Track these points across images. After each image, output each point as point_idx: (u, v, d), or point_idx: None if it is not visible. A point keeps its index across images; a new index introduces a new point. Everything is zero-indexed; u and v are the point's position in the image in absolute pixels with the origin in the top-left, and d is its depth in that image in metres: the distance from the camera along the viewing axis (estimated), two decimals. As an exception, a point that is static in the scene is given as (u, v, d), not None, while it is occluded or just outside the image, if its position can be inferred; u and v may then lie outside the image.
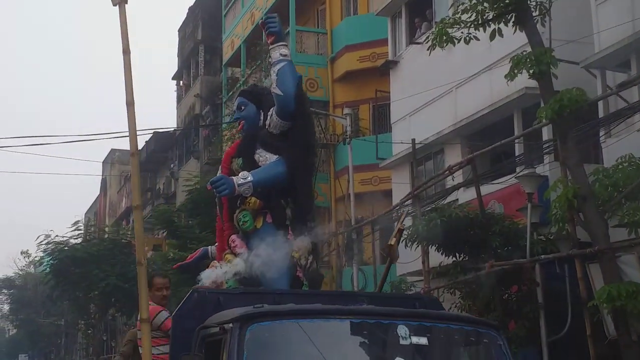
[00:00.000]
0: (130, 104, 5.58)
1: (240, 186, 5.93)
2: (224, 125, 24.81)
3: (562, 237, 10.42)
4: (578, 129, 10.28)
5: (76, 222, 30.70)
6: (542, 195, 10.78)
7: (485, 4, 9.96)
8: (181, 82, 36.21)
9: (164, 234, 27.37)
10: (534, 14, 9.97)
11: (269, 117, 6.19)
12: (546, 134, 12.60)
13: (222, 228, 6.38)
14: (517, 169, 13.05)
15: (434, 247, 12.34)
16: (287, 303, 5.02)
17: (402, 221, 6.33)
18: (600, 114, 11.48)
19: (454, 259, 12.15)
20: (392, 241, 6.11)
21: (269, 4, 24.18)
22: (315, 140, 6.51)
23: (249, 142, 6.29)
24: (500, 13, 9.86)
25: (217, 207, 6.50)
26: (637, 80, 9.95)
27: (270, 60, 6.20)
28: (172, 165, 36.26)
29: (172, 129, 33.94)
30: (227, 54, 28.45)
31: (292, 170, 6.04)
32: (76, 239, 29.90)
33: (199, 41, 32.69)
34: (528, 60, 9.54)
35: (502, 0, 9.73)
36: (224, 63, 28.88)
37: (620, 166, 9.36)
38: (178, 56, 36.64)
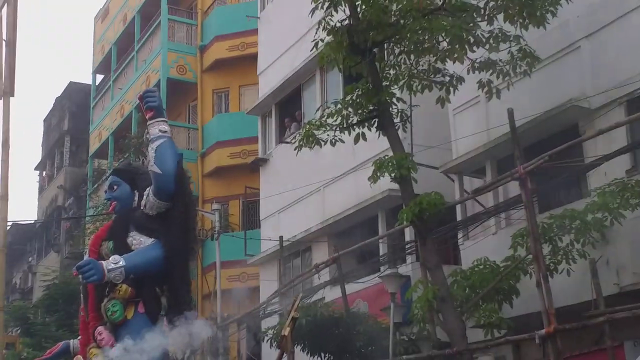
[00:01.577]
0: (3, 198, 5.34)
1: (110, 272, 5.44)
2: (87, 219, 24.03)
3: (423, 337, 10.61)
4: (437, 232, 10.66)
5: None
6: (405, 295, 11.02)
7: (350, 109, 10.36)
8: (44, 172, 35.04)
9: (18, 331, 25.77)
10: (395, 120, 10.43)
11: (144, 197, 5.79)
12: (408, 234, 12.97)
13: (87, 320, 5.82)
14: (382, 269, 13.30)
15: (299, 347, 12.24)
16: None
17: (295, 308, 5.85)
18: (459, 217, 11.97)
19: (319, 358, 12.08)
20: (286, 331, 5.61)
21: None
22: (196, 224, 6.07)
23: (122, 224, 5.84)
24: (363, 118, 10.26)
25: (82, 295, 5.94)
26: (491, 186, 10.50)
27: (148, 136, 5.83)
28: (30, 259, 34.57)
29: (32, 221, 32.53)
30: (94, 145, 27.90)
31: (169, 255, 5.61)
32: None
33: (65, 132, 31.95)
34: (390, 164, 9.90)
35: (365, 107, 10.15)
36: (90, 154, 28.27)
37: (476, 268, 9.73)
38: (42, 146, 35.57)
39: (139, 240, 5.70)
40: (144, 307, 5.65)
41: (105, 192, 6.14)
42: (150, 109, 5.80)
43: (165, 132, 5.73)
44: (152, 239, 5.68)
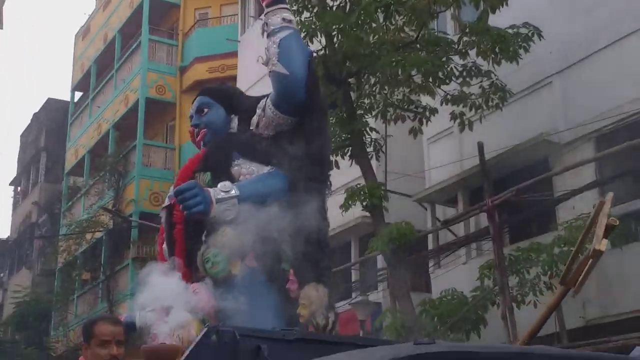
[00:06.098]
0: None
1: (220, 202, 3.88)
2: (60, 237, 23.88)
3: (392, 366, 10.62)
4: (409, 260, 10.74)
5: None
6: (374, 323, 11.06)
7: (324, 137, 10.44)
8: (19, 188, 34.81)
9: (-14, 349, 25.50)
10: (368, 149, 10.54)
11: (258, 111, 4.30)
12: (380, 261, 13.04)
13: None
14: (353, 295, 13.34)
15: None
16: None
17: (607, 212, 3.39)
18: (430, 246, 12.06)
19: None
20: (602, 245, 3.20)
21: (117, 116, 24.08)
22: (330, 148, 4.56)
23: (222, 151, 4.29)
24: (337, 147, 10.36)
25: (166, 243, 4.26)
26: (461, 218, 10.61)
27: (266, 29, 4.35)
28: (1, 275, 34.23)
29: (5, 238, 32.28)
30: (70, 162, 27.79)
31: (296, 187, 4.08)
32: None
33: (42, 148, 31.79)
34: (361, 192, 10.00)
35: (339, 136, 10.25)
36: (66, 171, 28.14)
37: (444, 299, 9.80)
38: (18, 162, 35.34)
39: (250, 169, 4.19)
40: (255, 260, 4.03)
41: (191, 117, 4.57)
42: None
43: (290, 22, 4.37)
44: (269, 167, 4.17)
